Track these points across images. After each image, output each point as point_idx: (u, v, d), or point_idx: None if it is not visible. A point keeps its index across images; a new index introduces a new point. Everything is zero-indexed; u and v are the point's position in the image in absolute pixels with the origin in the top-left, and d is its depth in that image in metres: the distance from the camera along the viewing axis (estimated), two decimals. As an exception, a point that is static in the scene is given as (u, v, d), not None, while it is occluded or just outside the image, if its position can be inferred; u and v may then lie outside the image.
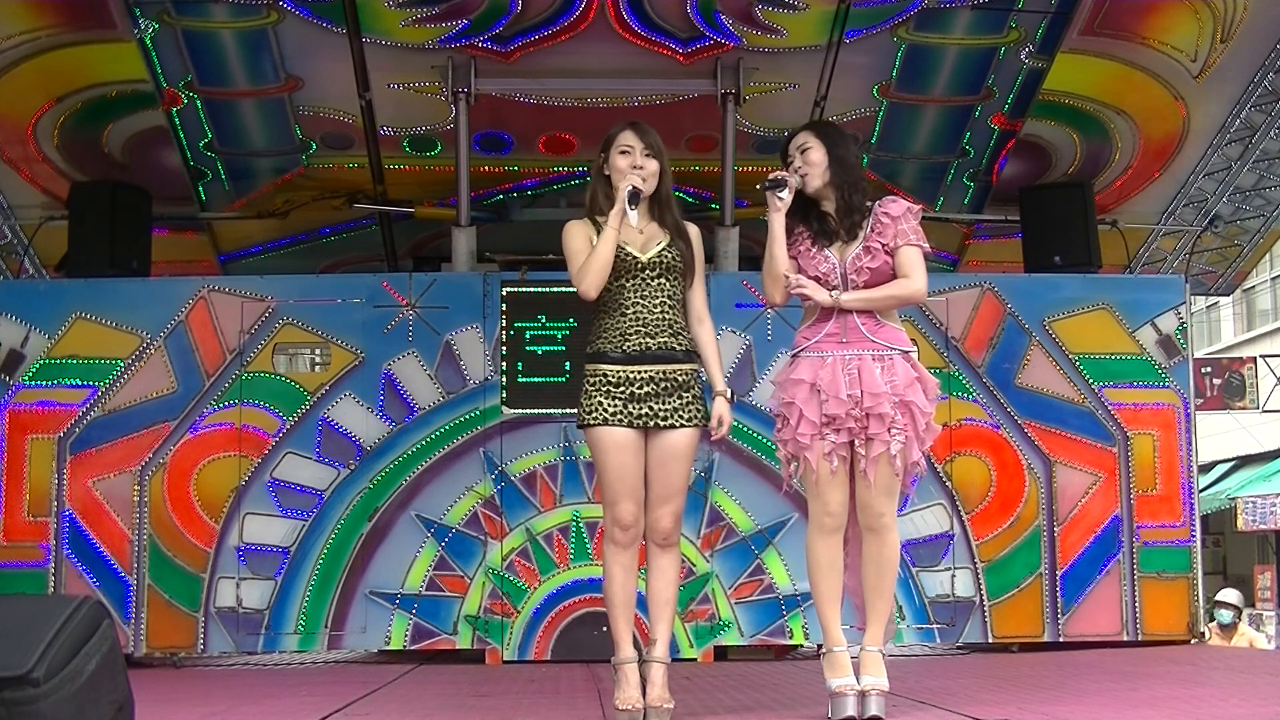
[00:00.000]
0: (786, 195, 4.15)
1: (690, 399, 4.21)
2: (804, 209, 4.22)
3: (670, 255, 4.24)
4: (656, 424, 4.16)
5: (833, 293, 4.13)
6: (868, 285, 4.16)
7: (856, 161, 4.28)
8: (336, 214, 8.99)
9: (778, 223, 4.17)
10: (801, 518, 4.32)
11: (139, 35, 7.15)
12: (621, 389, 4.16)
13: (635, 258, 4.21)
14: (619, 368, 4.18)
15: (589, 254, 4.17)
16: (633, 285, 4.21)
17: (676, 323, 4.24)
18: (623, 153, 4.24)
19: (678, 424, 4.18)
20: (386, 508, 7.26)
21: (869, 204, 4.22)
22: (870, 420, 4.07)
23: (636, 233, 4.23)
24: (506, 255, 8.49)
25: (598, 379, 4.19)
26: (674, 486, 4.21)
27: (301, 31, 7.24)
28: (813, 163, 4.18)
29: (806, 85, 7.77)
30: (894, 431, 4.08)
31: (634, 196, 4.15)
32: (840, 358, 4.12)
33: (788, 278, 4.16)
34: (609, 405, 4.15)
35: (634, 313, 4.20)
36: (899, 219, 4.18)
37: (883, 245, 4.16)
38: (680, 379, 4.20)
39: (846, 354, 4.13)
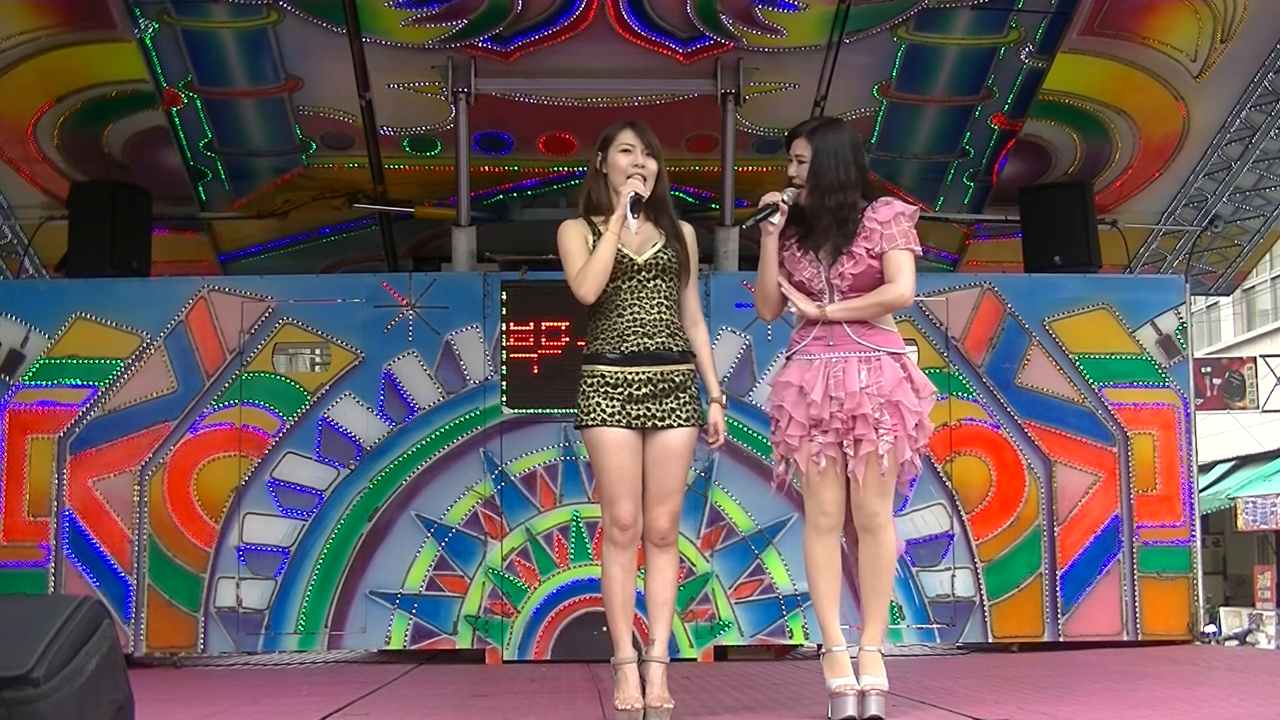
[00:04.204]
0: (779, 219, 4.15)
1: (687, 399, 4.22)
2: (792, 211, 4.23)
3: (666, 256, 4.25)
4: (654, 424, 4.17)
5: (818, 305, 4.13)
6: (852, 289, 4.14)
7: (848, 178, 4.13)
8: (336, 214, 8.99)
9: (770, 246, 4.19)
10: (801, 518, 4.31)
11: (139, 35, 7.16)
12: (619, 390, 4.16)
13: (631, 259, 4.21)
14: (616, 368, 4.18)
15: (588, 258, 4.17)
16: (629, 287, 4.21)
17: (673, 323, 4.25)
18: (624, 151, 4.23)
19: (675, 424, 4.18)
20: (386, 508, 7.26)
21: (862, 204, 4.18)
22: (855, 421, 4.08)
23: (632, 234, 4.23)
24: (506, 255, 8.50)
25: (595, 380, 4.20)
26: (671, 486, 4.21)
27: (301, 31, 7.24)
28: (800, 177, 4.19)
29: (806, 85, 7.77)
30: (881, 432, 4.07)
31: (636, 203, 4.15)
32: (826, 360, 4.13)
33: (780, 286, 4.17)
34: (607, 406, 4.16)
35: (631, 314, 4.21)
36: (887, 224, 4.12)
37: (867, 250, 4.12)
38: (677, 379, 4.21)
39: (832, 356, 4.13)
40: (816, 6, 7.09)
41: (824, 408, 4.08)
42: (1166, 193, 8.98)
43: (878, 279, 4.13)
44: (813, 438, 4.11)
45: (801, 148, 4.20)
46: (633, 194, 4.14)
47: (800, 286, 4.18)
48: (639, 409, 4.16)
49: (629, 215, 4.13)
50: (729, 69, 7.51)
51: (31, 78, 7.42)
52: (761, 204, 4.18)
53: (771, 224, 4.15)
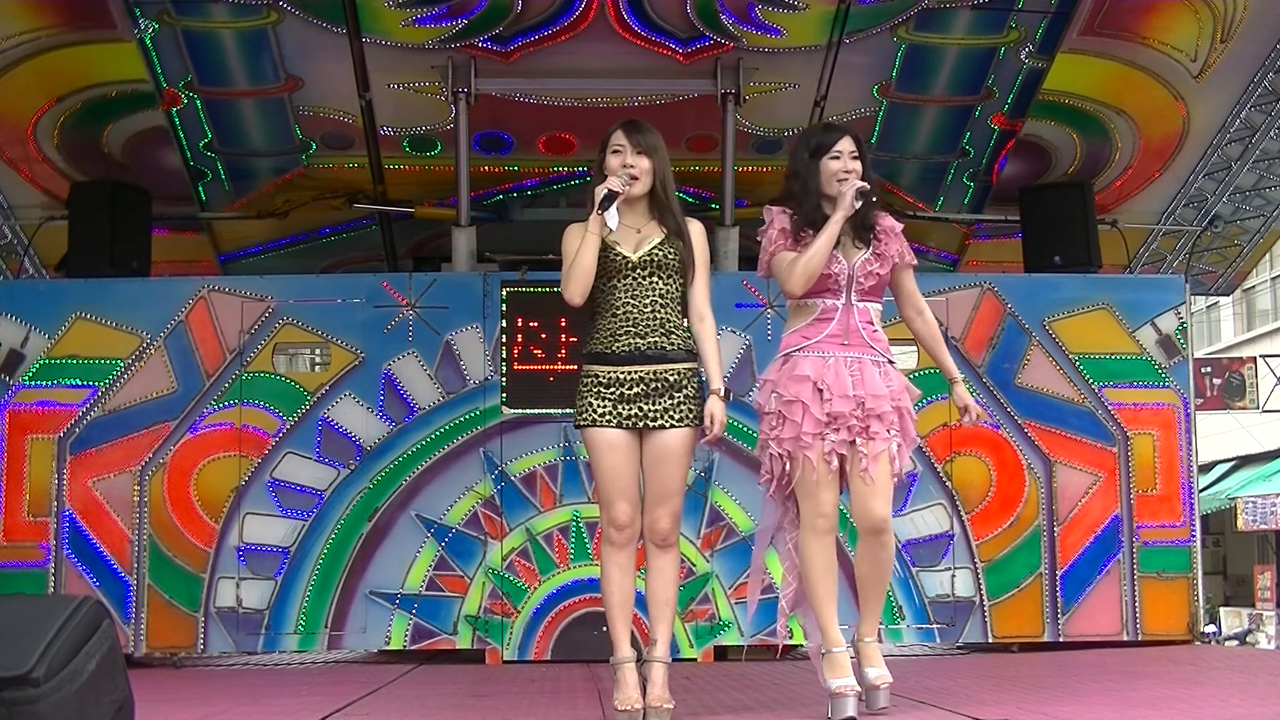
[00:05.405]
0: (859, 203, 4.21)
1: (683, 399, 4.18)
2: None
3: (662, 253, 4.22)
4: (647, 425, 4.15)
5: (962, 380, 4.43)
6: (872, 290, 4.25)
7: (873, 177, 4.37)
8: (336, 214, 8.99)
9: (839, 224, 4.18)
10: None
11: (139, 35, 7.15)
12: (611, 390, 4.16)
13: (626, 257, 4.20)
14: (609, 368, 4.17)
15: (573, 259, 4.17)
16: (624, 285, 4.20)
17: (669, 321, 4.21)
18: (614, 152, 4.23)
19: (668, 424, 4.15)
20: (386, 508, 7.26)
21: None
22: (871, 420, 4.11)
23: (633, 232, 4.23)
24: (506, 255, 8.50)
25: (590, 380, 4.20)
26: (669, 488, 4.19)
27: (301, 31, 7.24)
28: (858, 172, 4.25)
29: (806, 85, 7.77)
30: (892, 433, 4.14)
31: (607, 200, 4.14)
32: (842, 358, 4.15)
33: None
34: (599, 406, 4.15)
35: (624, 312, 4.19)
36: (900, 236, 4.32)
37: (890, 255, 4.27)
38: (671, 379, 4.18)
39: (848, 355, 4.16)
40: (816, 6, 7.09)
41: (845, 404, 4.10)
42: (1166, 193, 8.97)
43: (887, 281, 4.29)
44: (824, 436, 4.11)
45: (851, 145, 4.28)
46: (605, 191, 4.14)
47: (823, 280, 4.19)
48: (631, 409, 4.15)
49: (599, 211, 4.12)
50: (729, 69, 7.51)
51: (31, 78, 7.42)
52: (856, 186, 4.18)
53: (856, 205, 4.18)
